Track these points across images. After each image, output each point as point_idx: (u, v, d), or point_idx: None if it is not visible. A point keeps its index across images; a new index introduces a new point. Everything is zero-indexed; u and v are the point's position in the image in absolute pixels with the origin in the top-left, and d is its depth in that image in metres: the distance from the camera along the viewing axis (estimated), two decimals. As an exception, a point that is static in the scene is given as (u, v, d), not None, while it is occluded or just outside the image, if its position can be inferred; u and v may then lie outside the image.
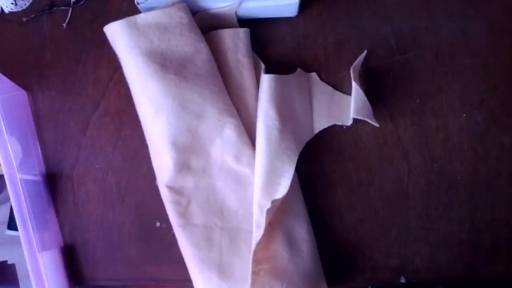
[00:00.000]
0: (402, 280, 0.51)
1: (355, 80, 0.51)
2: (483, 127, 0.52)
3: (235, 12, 0.52)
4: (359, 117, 0.50)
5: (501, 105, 0.52)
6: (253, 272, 0.46)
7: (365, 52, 0.53)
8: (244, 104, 0.52)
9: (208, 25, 0.53)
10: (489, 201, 0.51)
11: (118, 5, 0.56)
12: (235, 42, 0.52)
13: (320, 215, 0.51)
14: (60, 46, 0.56)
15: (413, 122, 0.52)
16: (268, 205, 0.46)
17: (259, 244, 0.46)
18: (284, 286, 0.46)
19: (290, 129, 0.50)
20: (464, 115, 0.52)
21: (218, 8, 0.52)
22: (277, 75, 0.50)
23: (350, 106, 0.51)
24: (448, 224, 0.51)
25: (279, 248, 0.47)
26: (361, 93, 0.50)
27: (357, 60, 0.52)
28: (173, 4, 0.50)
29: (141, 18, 0.49)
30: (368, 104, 0.50)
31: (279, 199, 0.47)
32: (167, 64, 0.49)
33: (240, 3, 0.51)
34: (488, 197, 0.51)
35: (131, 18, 0.49)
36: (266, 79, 0.51)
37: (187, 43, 0.50)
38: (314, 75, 0.54)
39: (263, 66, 0.53)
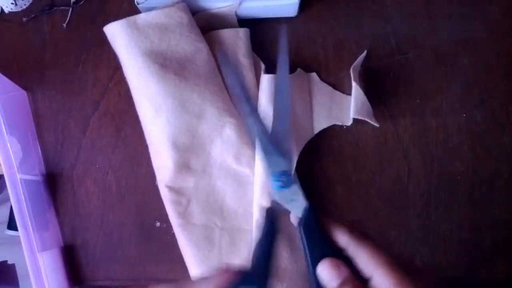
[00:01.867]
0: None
1: (355, 80, 0.51)
2: (483, 127, 0.52)
3: (235, 12, 0.52)
4: (359, 117, 0.50)
5: (501, 105, 0.52)
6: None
7: (365, 52, 0.53)
8: (244, 104, 0.52)
9: (208, 25, 0.53)
10: (489, 201, 0.51)
11: (118, 5, 0.56)
12: (235, 42, 0.52)
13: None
14: (60, 46, 0.56)
15: (413, 122, 0.52)
16: (268, 205, 0.46)
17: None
18: (284, 286, 0.46)
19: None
20: (464, 115, 0.52)
21: (218, 8, 0.52)
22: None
23: (350, 106, 0.51)
24: (448, 224, 0.51)
25: (279, 248, 0.47)
26: (361, 93, 0.50)
27: (357, 60, 0.52)
28: (173, 4, 0.50)
29: (141, 18, 0.49)
30: (368, 104, 0.50)
31: (279, 199, 0.47)
32: (167, 64, 0.49)
33: (240, 3, 0.51)
34: (488, 197, 0.51)
35: (131, 18, 0.49)
36: (266, 79, 0.51)
37: (187, 43, 0.50)
38: (314, 75, 0.54)
39: (263, 66, 0.53)
